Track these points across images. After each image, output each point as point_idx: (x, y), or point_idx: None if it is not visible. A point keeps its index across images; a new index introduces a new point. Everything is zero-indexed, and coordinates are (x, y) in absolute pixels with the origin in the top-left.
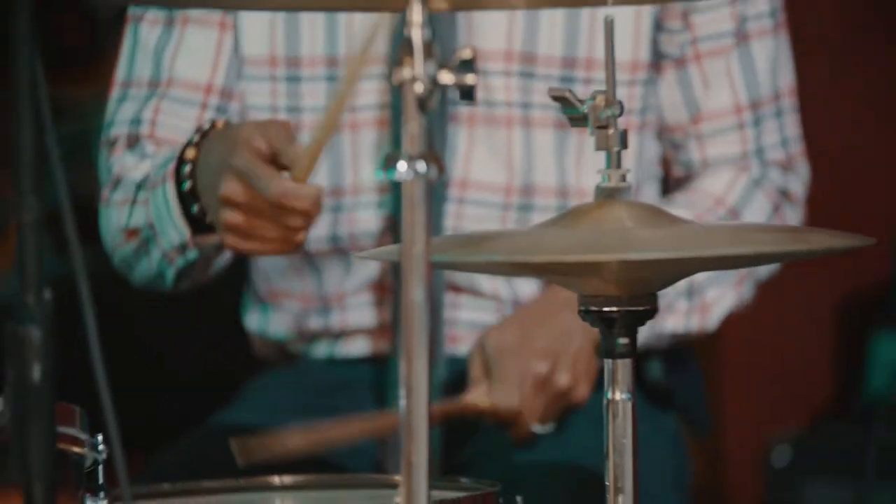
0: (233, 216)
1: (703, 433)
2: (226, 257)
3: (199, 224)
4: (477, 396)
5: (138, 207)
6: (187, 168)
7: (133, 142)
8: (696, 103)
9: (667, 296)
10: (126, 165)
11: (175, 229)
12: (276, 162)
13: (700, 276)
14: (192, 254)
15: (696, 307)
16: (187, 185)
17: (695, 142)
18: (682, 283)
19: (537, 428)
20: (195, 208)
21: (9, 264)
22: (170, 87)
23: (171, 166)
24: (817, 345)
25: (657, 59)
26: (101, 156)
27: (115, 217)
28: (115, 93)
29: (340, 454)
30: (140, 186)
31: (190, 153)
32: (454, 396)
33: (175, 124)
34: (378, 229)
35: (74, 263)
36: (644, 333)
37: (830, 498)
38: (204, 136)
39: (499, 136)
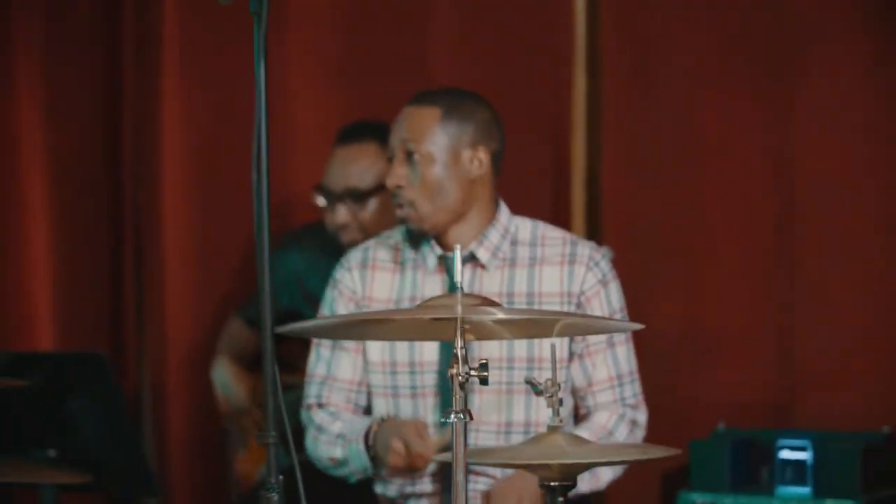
0: (392, 458)
1: None
2: None
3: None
4: None
5: (338, 449)
6: (371, 437)
7: (320, 406)
8: (589, 377)
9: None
10: (324, 420)
11: (363, 464)
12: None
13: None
14: (368, 473)
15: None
16: (370, 446)
17: (590, 396)
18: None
19: None
20: (371, 455)
21: (260, 463)
22: (335, 381)
23: (362, 435)
24: None
25: (570, 356)
26: (304, 412)
27: (323, 449)
28: (307, 378)
29: None
30: (339, 436)
31: (374, 427)
32: None
33: (337, 400)
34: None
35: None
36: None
37: None
38: (381, 422)
39: (492, 399)
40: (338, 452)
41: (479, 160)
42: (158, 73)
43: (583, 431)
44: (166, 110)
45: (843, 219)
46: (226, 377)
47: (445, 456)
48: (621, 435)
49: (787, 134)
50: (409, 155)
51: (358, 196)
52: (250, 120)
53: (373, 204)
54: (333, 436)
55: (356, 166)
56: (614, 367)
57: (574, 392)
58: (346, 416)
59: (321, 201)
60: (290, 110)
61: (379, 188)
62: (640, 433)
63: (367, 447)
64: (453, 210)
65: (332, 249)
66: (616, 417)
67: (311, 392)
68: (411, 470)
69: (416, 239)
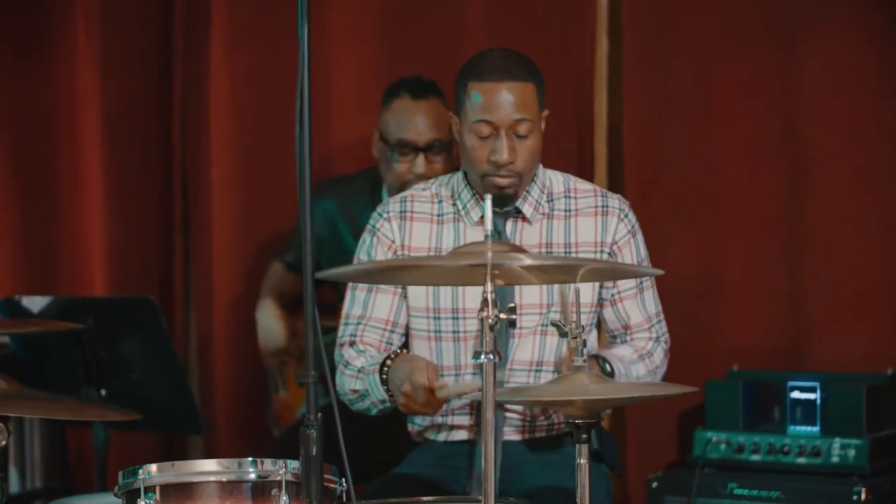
0: (404, 400)
1: (618, 472)
2: None
3: (390, 395)
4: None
5: (359, 381)
6: (385, 372)
7: (352, 344)
8: (624, 320)
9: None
10: (351, 356)
11: (380, 395)
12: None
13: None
14: (386, 405)
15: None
16: (385, 379)
17: (627, 336)
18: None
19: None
20: (387, 390)
21: (301, 402)
22: (369, 321)
23: (376, 368)
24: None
25: (599, 300)
26: (336, 351)
27: (347, 382)
28: (343, 320)
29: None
30: (360, 370)
31: (388, 363)
32: None
33: (371, 339)
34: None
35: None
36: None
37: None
38: (395, 356)
39: (527, 340)
40: (358, 385)
41: (544, 120)
42: (207, 34)
43: (625, 348)
44: (213, 69)
45: (851, 169)
46: (269, 318)
47: (476, 395)
48: (658, 357)
49: (797, 92)
50: (517, 131)
51: (440, 147)
52: (293, 78)
53: (447, 155)
54: (356, 370)
55: (433, 119)
56: (645, 311)
57: (609, 332)
58: (371, 352)
59: (391, 154)
60: (331, 68)
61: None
62: (665, 360)
63: (382, 380)
64: (535, 171)
65: (366, 195)
66: (653, 342)
67: (346, 332)
68: (422, 411)
69: (460, 193)
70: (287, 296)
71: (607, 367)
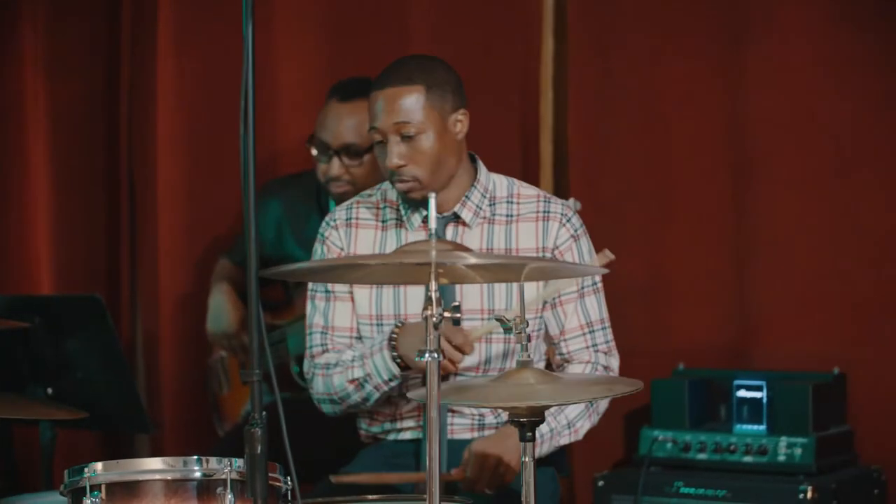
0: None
1: (565, 473)
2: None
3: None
4: (457, 475)
5: (357, 370)
6: (394, 339)
7: (324, 353)
8: (562, 324)
9: (556, 431)
10: (331, 357)
11: (389, 370)
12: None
13: (571, 414)
14: (396, 382)
15: (572, 432)
16: (395, 348)
17: (563, 343)
18: (563, 421)
19: (487, 492)
20: (397, 360)
21: (245, 399)
22: (334, 331)
23: (386, 344)
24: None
25: (544, 305)
26: (307, 361)
27: (338, 379)
28: (308, 330)
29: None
30: (355, 359)
31: (394, 333)
32: (448, 472)
33: (341, 345)
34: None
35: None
36: (545, 448)
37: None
38: (400, 328)
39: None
40: (357, 373)
41: (460, 122)
42: (154, 34)
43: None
44: (160, 69)
45: (795, 170)
46: (222, 299)
47: (420, 394)
48: (602, 405)
49: (741, 92)
50: (403, 135)
51: (354, 152)
52: (239, 77)
53: (366, 159)
54: (349, 361)
55: (353, 122)
56: (584, 316)
57: (548, 340)
58: (365, 344)
59: (315, 153)
60: (276, 68)
61: (373, 146)
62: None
63: (392, 348)
64: (450, 174)
65: (312, 197)
66: (589, 368)
67: (315, 342)
68: (448, 366)
69: (402, 199)
70: (238, 286)
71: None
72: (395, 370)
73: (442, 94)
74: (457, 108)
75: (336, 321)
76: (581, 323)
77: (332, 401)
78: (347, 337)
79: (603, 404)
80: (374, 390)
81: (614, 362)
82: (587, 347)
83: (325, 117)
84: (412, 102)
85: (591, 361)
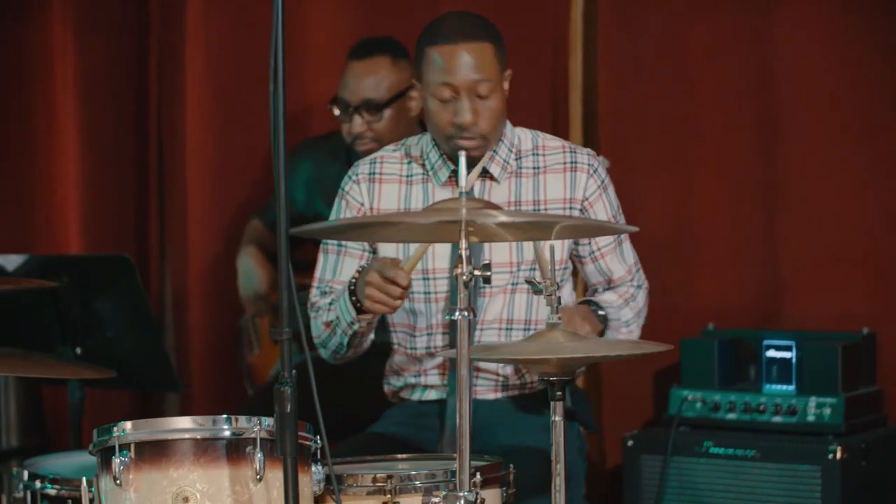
0: (369, 291)
1: (592, 430)
2: (369, 341)
3: (358, 311)
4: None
5: (330, 313)
6: (352, 285)
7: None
8: (607, 274)
9: (615, 320)
10: (319, 302)
11: (349, 313)
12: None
13: (626, 316)
14: (356, 325)
15: (627, 332)
16: (353, 291)
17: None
18: (623, 318)
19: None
20: (356, 301)
21: (275, 360)
22: (336, 283)
23: (345, 289)
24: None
25: (573, 256)
26: (309, 311)
27: (319, 322)
28: (315, 283)
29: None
30: (330, 304)
31: (354, 277)
32: None
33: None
34: (444, 344)
35: (306, 354)
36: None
37: (650, 463)
38: (360, 271)
39: (497, 299)
40: (330, 315)
41: (507, 81)
42: None
43: (610, 294)
44: (189, 31)
45: (824, 128)
46: (250, 263)
47: (451, 352)
48: (641, 299)
49: (770, 49)
50: (478, 92)
51: (374, 107)
52: (268, 39)
53: (387, 114)
54: (326, 304)
55: (371, 79)
56: (625, 262)
57: (591, 286)
58: (338, 290)
59: (338, 112)
60: (304, 29)
61: (393, 99)
62: (646, 302)
63: (351, 292)
64: (502, 131)
65: (341, 157)
66: (634, 288)
67: (316, 293)
68: (388, 301)
69: (427, 155)
70: (268, 249)
71: (599, 312)
72: (353, 313)
73: (503, 51)
74: (507, 67)
75: (342, 275)
76: (625, 270)
77: (321, 345)
78: None
79: (645, 312)
80: (343, 334)
81: (644, 294)
82: (633, 286)
83: (345, 76)
84: (488, 59)
85: (636, 285)
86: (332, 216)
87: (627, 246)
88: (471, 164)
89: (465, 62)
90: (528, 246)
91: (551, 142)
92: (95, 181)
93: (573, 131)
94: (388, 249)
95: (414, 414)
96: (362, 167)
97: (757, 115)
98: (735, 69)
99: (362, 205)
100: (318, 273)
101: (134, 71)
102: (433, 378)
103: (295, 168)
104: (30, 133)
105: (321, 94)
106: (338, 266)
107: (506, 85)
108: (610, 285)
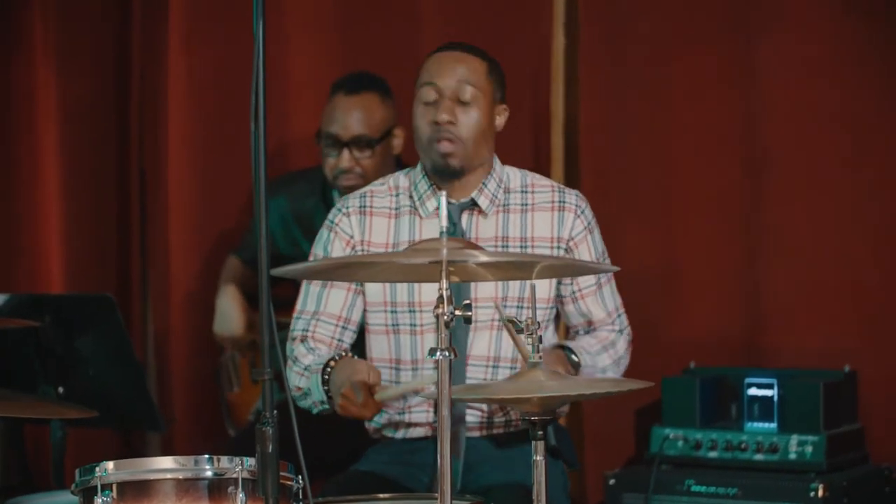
0: (342, 401)
1: (575, 468)
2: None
3: (329, 398)
4: None
5: (304, 379)
6: (327, 373)
7: (303, 340)
8: (587, 316)
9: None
10: (301, 353)
11: (319, 394)
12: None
13: (602, 364)
14: (325, 407)
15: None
16: (326, 380)
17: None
18: (599, 364)
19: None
20: (327, 391)
21: (255, 398)
22: (321, 316)
23: (320, 369)
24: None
25: (556, 296)
26: (288, 345)
27: (293, 378)
28: (296, 314)
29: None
30: (307, 368)
31: (331, 364)
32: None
33: (322, 335)
34: (410, 389)
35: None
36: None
37: (632, 502)
38: (339, 358)
39: (483, 335)
40: (303, 382)
41: (500, 116)
42: (165, 28)
43: (589, 339)
44: (171, 64)
45: (806, 162)
46: (229, 303)
47: (433, 393)
48: (621, 347)
49: (752, 85)
50: (459, 98)
51: (365, 143)
52: (249, 72)
53: (376, 150)
54: (303, 367)
55: (362, 115)
56: (606, 306)
57: (572, 328)
58: (321, 350)
59: (324, 149)
60: (286, 64)
61: (383, 137)
62: (628, 351)
63: (324, 381)
64: (483, 159)
65: (317, 192)
66: (615, 333)
67: (298, 326)
68: (360, 414)
69: (415, 185)
70: (247, 287)
71: (573, 357)
72: (324, 397)
73: (499, 79)
74: (502, 102)
75: (328, 307)
76: (607, 312)
77: (295, 398)
78: (333, 325)
79: (625, 362)
80: (314, 406)
81: (626, 341)
82: (614, 331)
83: (334, 110)
84: (477, 69)
85: (618, 330)
86: (317, 247)
87: (610, 290)
88: (452, 173)
89: (453, 67)
90: (513, 283)
91: (540, 181)
92: (77, 219)
93: (555, 167)
94: (374, 285)
95: (400, 452)
96: (352, 200)
97: (739, 151)
98: (717, 105)
99: (352, 237)
100: (299, 304)
101: (116, 108)
102: (418, 416)
103: (271, 205)
104: (11, 171)
105: (303, 129)
106: (322, 297)
107: (498, 118)
108: (590, 328)
